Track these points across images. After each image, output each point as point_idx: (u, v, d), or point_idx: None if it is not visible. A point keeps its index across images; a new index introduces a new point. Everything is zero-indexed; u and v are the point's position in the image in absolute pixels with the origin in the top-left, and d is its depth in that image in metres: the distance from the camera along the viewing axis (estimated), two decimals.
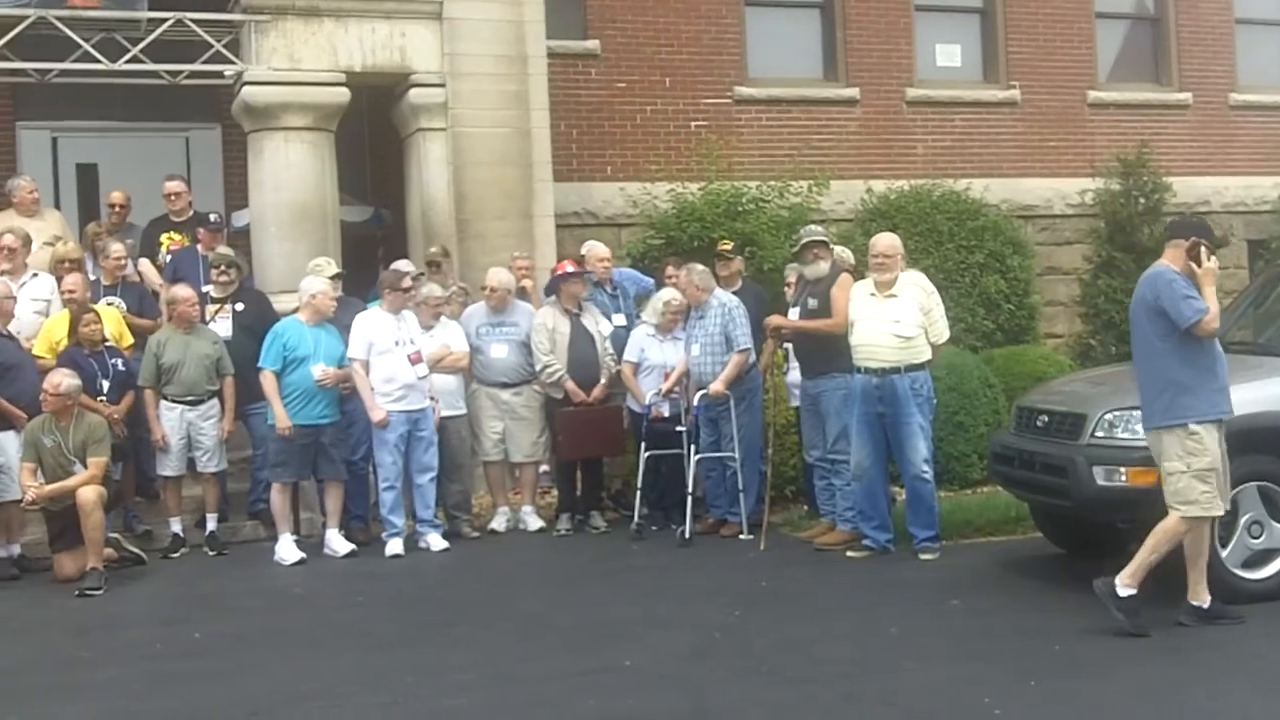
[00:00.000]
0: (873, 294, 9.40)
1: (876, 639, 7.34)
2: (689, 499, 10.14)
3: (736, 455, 10.16)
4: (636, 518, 10.35)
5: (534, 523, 10.79)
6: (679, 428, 10.36)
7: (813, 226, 10.51)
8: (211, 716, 6.42)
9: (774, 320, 10.12)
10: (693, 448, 10.15)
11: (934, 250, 13.50)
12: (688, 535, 10.04)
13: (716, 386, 10.06)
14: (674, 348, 10.70)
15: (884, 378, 9.26)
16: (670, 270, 11.29)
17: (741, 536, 10.07)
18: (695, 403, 10.11)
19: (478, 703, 6.48)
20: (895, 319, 9.27)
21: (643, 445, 10.37)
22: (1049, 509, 8.98)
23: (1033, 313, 14.24)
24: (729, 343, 10.18)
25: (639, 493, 10.37)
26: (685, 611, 8.12)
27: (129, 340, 10.42)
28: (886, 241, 9.60)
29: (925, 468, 9.31)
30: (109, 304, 10.50)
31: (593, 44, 14.69)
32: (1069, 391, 9.10)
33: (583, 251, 11.55)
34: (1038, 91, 16.46)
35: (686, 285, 10.49)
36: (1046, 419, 8.62)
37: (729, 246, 11.37)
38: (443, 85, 12.30)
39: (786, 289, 10.49)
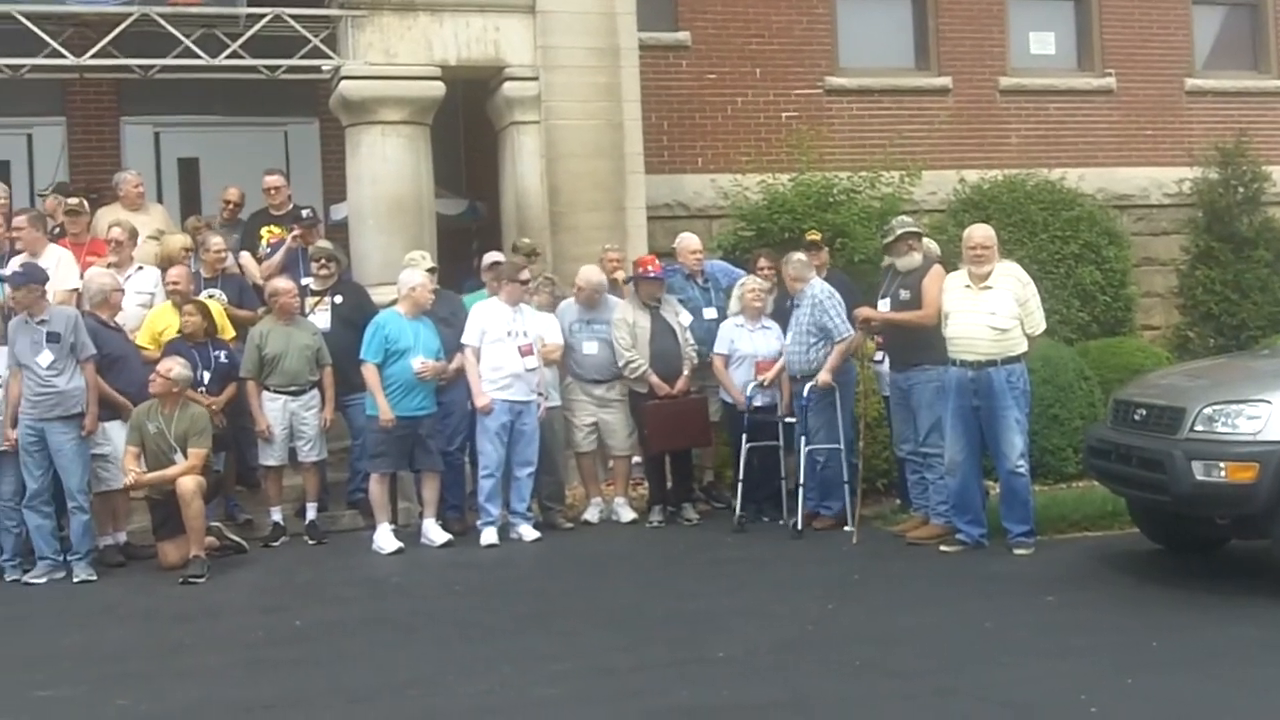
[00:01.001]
0: (968, 286, 9.34)
1: (971, 633, 7.32)
2: (799, 490, 10.13)
3: (841, 447, 10.15)
4: (739, 510, 10.36)
5: (626, 514, 10.86)
6: (787, 418, 10.34)
7: (904, 218, 10.46)
8: (312, 703, 6.54)
9: (863, 312, 10.09)
10: (802, 439, 10.11)
11: (1028, 241, 13.39)
12: (799, 527, 10.05)
13: (824, 377, 10.04)
14: (764, 338, 10.71)
15: (980, 370, 9.20)
16: (763, 262, 11.29)
17: (847, 529, 10.02)
18: (805, 393, 10.07)
19: (572, 693, 6.55)
20: (991, 311, 9.21)
21: (743, 437, 10.38)
22: (1146, 504, 8.86)
23: (1129, 304, 14.07)
24: (821, 333, 10.16)
25: (740, 485, 10.37)
26: (778, 604, 8.14)
27: (231, 332, 10.62)
28: (983, 233, 9.54)
29: (1021, 462, 9.25)
30: (210, 296, 10.71)
31: (683, 35, 14.71)
32: (1167, 385, 8.99)
33: (675, 244, 11.59)
34: (1134, 79, 16.23)
35: (784, 274, 10.49)
36: (1144, 412, 8.52)
37: (817, 237, 11.36)
38: (536, 78, 12.39)
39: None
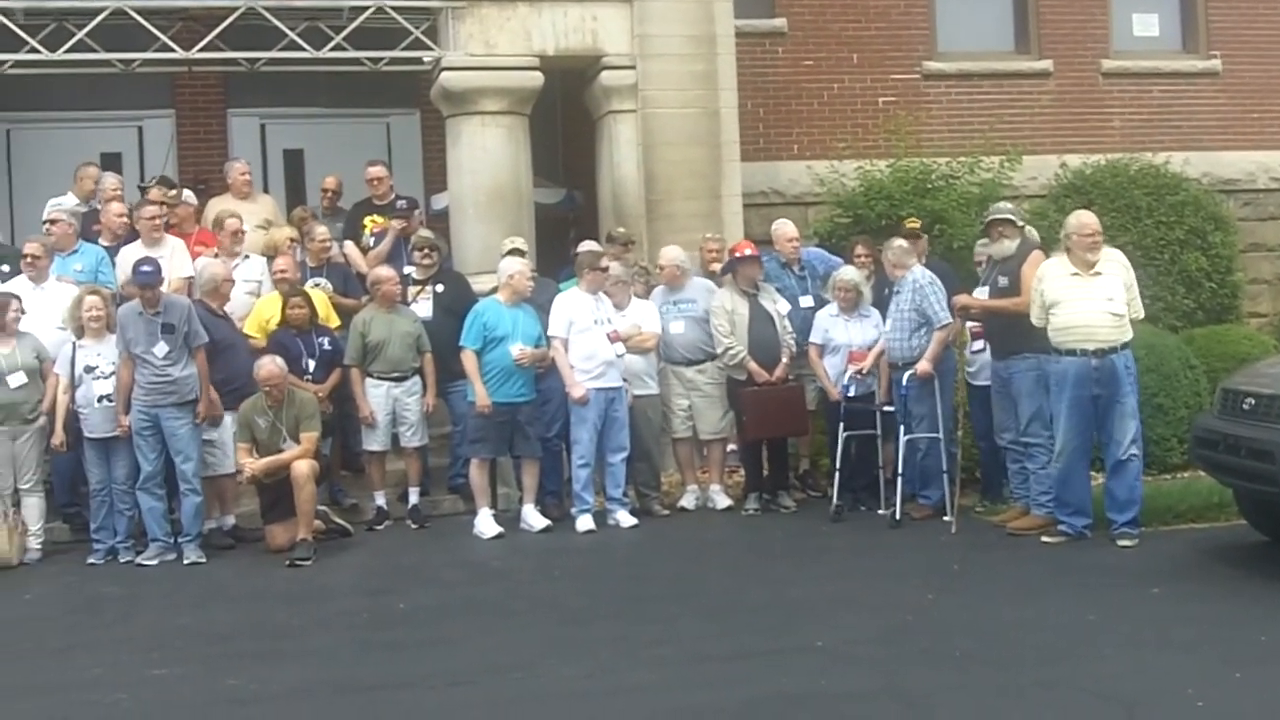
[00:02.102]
0: (1075, 273, 9.19)
1: (1074, 625, 7.25)
2: (898, 480, 10.11)
3: (940, 436, 10.11)
4: (835, 499, 10.36)
5: (722, 501, 10.90)
6: (885, 407, 10.32)
7: (1002, 204, 10.37)
8: (416, 685, 6.65)
9: (961, 299, 10.03)
10: (902, 428, 10.08)
11: (1131, 226, 13.19)
12: (898, 517, 10.03)
13: (925, 366, 10.00)
14: (859, 327, 10.68)
15: (1103, 358, 9.07)
16: (860, 249, 11.26)
17: (946, 519, 9.96)
18: (905, 381, 10.04)
19: (670, 679, 6.60)
20: (1108, 297, 9.09)
21: (840, 426, 10.37)
22: (1254, 495, 8.72)
23: (1235, 291, 13.83)
24: (922, 319, 10.11)
25: (838, 473, 10.36)
26: (876, 593, 8.14)
27: (336, 321, 10.80)
28: (1094, 219, 9.42)
29: (1135, 449, 9.15)
30: (315, 285, 10.90)
31: (780, 22, 14.70)
32: (1276, 373, 8.83)
33: (771, 232, 11.59)
34: (1240, 61, 15.92)
35: (885, 261, 10.45)
36: (1253, 402, 8.39)
37: (916, 225, 11.30)
38: (633, 67, 12.45)
39: (977, 267, 10.36)
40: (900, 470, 10.11)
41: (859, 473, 10.55)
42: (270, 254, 11.09)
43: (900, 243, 10.47)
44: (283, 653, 7.37)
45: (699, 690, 6.44)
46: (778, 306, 10.84)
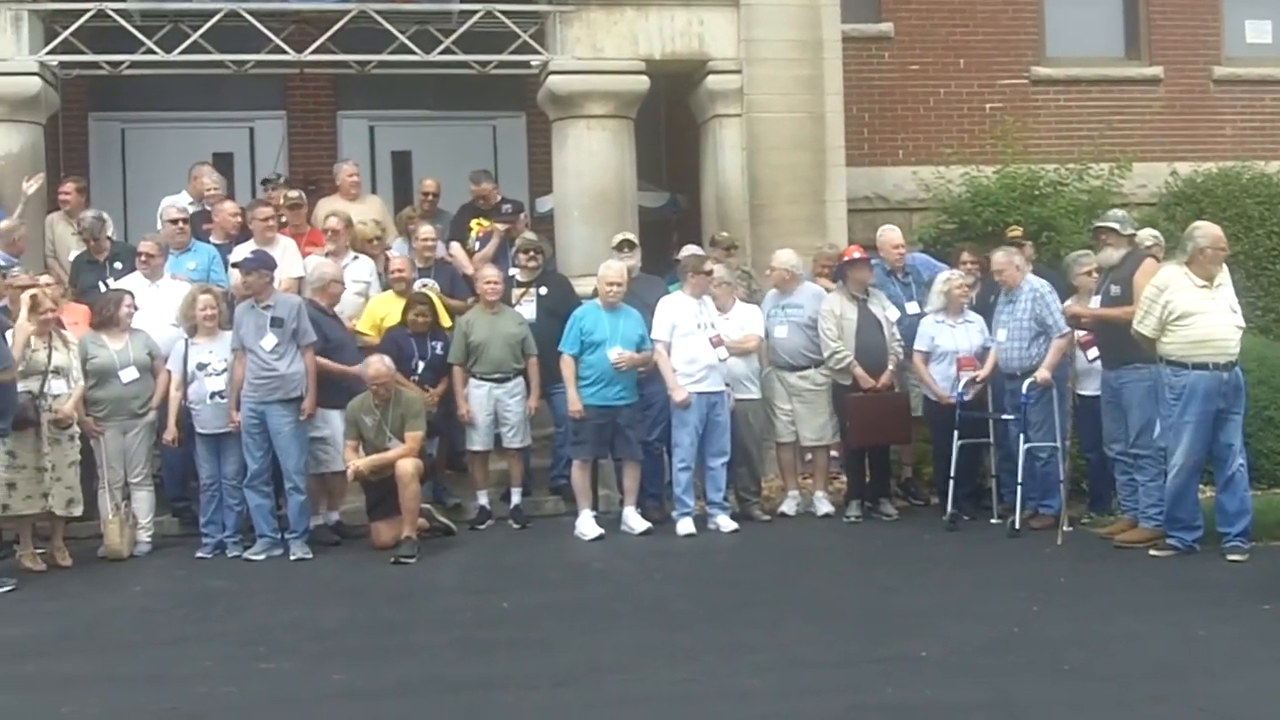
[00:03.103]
0: (1202, 285, 8.98)
1: (1183, 640, 7.13)
2: (1018, 489, 9.98)
3: (1058, 445, 9.99)
4: (951, 506, 10.25)
5: (824, 507, 10.85)
6: (1004, 415, 10.22)
7: (1114, 211, 10.23)
8: (520, 684, 6.66)
9: (1073, 308, 9.91)
10: (1020, 437, 9.96)
11: (1243, 236, 13.01)
12: (1016, 526, 9.92)
13: (1044, 374, 9.89)
14: (965, 332, 10.58)
15: (1230, 371, 8.94)
16: (966, 255, 11.17)
17: (1066, 529, 9.81)
18: (1025, 390, 9.93)
19: (773, 685, 6.57)
20: (1233, 309, 8.98)
21: (955, 434, 10.27)
22: None
23: None
24: (1041, 328, 10.00)
25: (952, 481, 10.27)
26: (981, 603, 8.06)
27: (448, 321, 10.90)
28: (1218, 229, 9.25)
29: (1242, 460, 9.03)
30: (423, 285, 11.02)
31: (886, 26, 14.64)
32: None
33: (876, 238, 11.53)
34: None
35: (1006, 265, 10.30)
36: None
37: (1018, 232, 11.19)
38: (739, 71, 12.46)
39: (1085, 276, 10.18)
40: (1020, 479, 9.99)
41: (962, 481, 10.45)
42: (369, 251, 11.23)
43: (1015, 250, 10.39)
44: (387, 649, 7.44)
45: (801, 697, 6.40)
46: (887, 313, 10.78)
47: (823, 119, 12.65)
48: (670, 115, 14.32)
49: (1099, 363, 9.89)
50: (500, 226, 11.70)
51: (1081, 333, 10.04)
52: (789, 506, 10.96)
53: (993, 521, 10.28)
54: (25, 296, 9.53)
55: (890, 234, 11.50)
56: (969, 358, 10.49)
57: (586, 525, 10.15)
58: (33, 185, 11.35)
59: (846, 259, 10.87)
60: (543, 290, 11.06)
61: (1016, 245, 10.73)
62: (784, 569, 9.28)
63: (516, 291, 11.05)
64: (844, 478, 11.13)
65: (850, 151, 13.16)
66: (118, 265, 10.90)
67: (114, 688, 6.86)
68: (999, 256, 10.34)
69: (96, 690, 6.79)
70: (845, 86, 12.91)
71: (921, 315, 10.93)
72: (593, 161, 12.25)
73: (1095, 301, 9.74)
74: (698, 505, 10.45)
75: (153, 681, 6.99)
